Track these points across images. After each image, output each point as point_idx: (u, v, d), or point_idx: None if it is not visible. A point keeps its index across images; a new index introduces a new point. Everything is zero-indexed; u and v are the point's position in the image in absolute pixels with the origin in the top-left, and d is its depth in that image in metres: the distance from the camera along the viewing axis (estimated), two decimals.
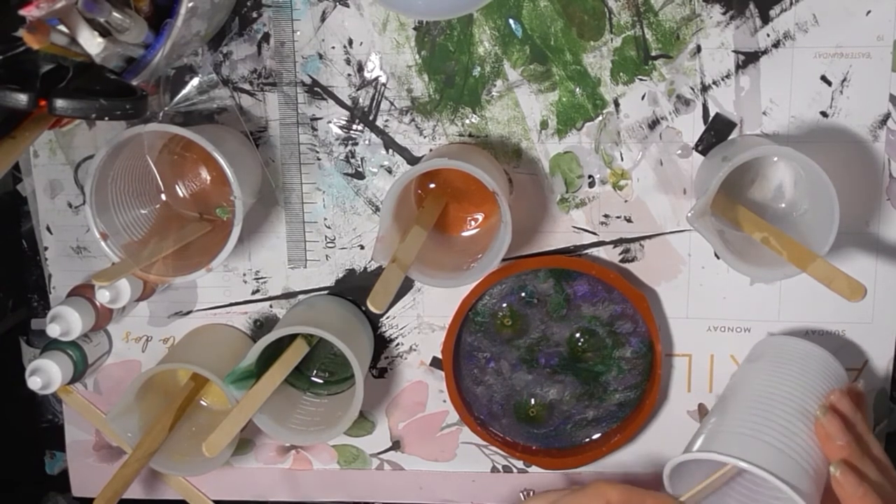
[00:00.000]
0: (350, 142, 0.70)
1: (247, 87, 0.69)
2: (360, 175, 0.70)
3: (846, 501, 0.55)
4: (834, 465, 0.56)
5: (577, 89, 0.67)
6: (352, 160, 0.70)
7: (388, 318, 0.73)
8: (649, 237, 0.69)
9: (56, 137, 0.72)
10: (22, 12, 0.50)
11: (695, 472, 0.59)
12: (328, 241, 0.72)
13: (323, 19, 0.67)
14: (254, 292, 0.74)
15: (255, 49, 0.68)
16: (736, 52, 0.65)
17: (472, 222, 0.69)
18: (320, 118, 0.69)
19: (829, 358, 0.65)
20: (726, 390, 0.65)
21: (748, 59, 0.65)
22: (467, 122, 0.68)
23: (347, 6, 0.67)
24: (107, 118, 0.53)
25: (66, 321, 0.68)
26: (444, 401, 0.73)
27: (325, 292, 0.73)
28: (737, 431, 0.58)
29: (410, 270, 0.60)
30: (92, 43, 0.53)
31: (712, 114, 0.66)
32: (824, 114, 0.65)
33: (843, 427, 0.58)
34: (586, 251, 0.70)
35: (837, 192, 0.57)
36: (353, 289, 0.73)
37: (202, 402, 0.76)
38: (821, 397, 0.60)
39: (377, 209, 0.71)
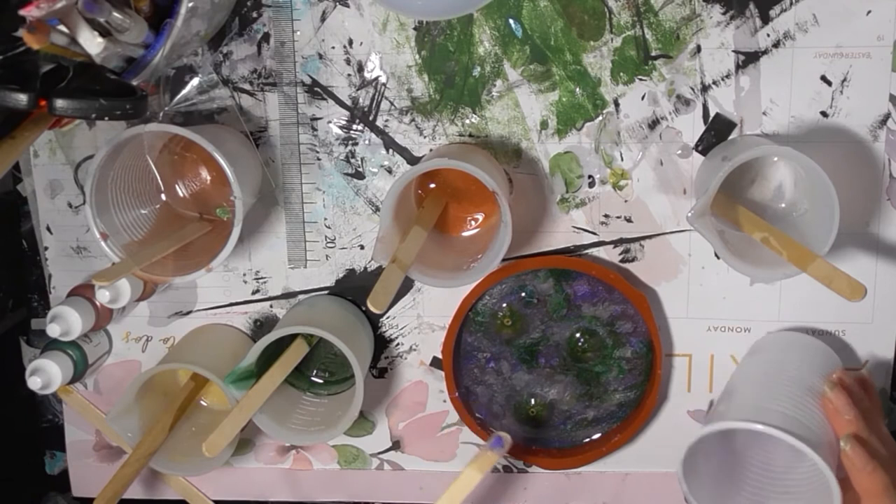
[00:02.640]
0: (350, 142, 0.70)
1: (247, 87, 0.69)
2: (360, 175, 0.70)
3: (855, 475, 0.55)
4: (843, 439, 0.56)
5: (577, 89, 0.67)
6: (352, 160, 0.70)
7: (388, 318, 0.73)
8: (649, 237, 0.69)
9: (56, 137, 0.72)
10: (22, 12, 0.50)
11: (705, 464, 0.59)
12: (328, 241, 0.72)
13: (323, 19, 0.67)
14: (254, 292, 0.74)
15: (255, 49, 0.68)
16: (736, 52, 0.65)
17: (472, 222, 0.69)
18: (320, 118, 0.69)
19: (826, 347, 0.67)
20: (731, 381, 0.65)
21: (748, 59, 0.65)
22: (467, 122, 0.68)
23: (347, 6, 0.67)
24: (107, 118, 0.53)
25: (66, 321, 0.68)
26: (444, 401, 0.73)
27: (325, 292, 0.73)
28: (751, 404, 0.58)
29: (410, 270, 0.59)
30: (92, 43, 0.53)
31: (712, 114, 0.66)
32: (824, 114, 0.65)
33: (849, 401, 0.58)
34: (586, 251, 0.70)
35: (837, 192, 0.57)
36: (354, 289, 0.73)
37: (202, 402, 0.76)
38: (824, 378, 0.61)
39: (377, 209, 0.71)
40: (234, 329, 0.75)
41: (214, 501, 0.80)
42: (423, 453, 0.77)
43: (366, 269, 0.72)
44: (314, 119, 0.69)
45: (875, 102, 0.65)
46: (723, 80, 0.65)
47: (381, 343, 0.74)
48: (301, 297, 0.73)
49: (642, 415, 0.70)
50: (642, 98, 0.66)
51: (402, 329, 0.73)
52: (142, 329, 0.76)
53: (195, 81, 0.69)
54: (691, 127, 0.67)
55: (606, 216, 0.69)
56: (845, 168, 0.66)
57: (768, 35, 0.64)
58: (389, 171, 0.70)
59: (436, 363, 0.74)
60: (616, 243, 0.70)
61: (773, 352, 0.66)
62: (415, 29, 0.67)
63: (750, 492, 0.61)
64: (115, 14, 0.53)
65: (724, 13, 0.64)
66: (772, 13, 0.64)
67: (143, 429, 0.70)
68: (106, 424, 0.73)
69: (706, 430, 0.57)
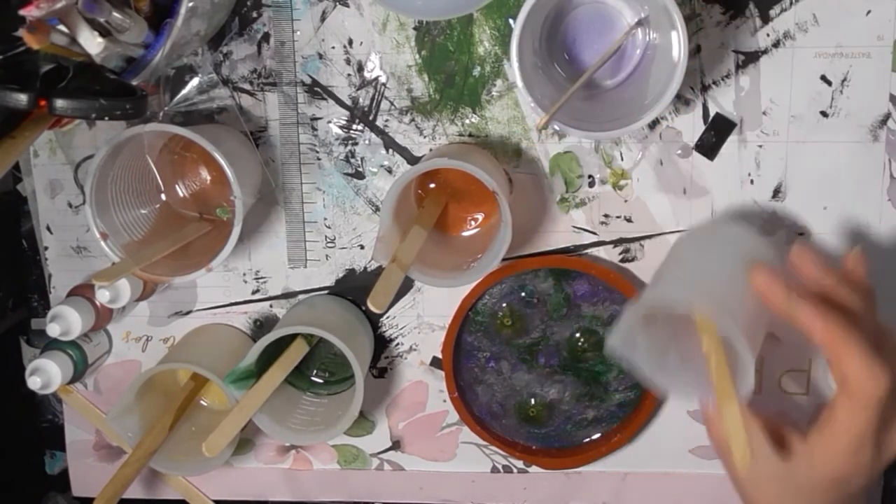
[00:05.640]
0: (350, 142, 0.70)
1: (247, 86, 0.69)
2: (360, 175, 0.70)
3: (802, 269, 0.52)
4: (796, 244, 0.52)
5: None
6: (352, 160, 0.70)
7: (388, 317, 0.73)
8: (649, 237, 0.69)
9: (56, 137, 0.72)
10: (22, 12, 0.50)
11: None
12: (328, 240, 0.72)
13: (323, 19, 0.67)
14: (254, 292, 0.74)
15: (255, 49, 0.68)
16: (736, 51, 0.65)
17: (472, 222, 0.69)
18: (320, 118, 0.69)
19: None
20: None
21: (748, 58, 0.65)
22: (467, 121, 0.68)
23: (347, 6, 0.67)
24: (107, 118, 0.53)
25: (66, 321, 0.68)
26: (444, 401, 0.73)
27: (325, 292, 0.73)
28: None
29: (410, 270, 0.59)
30: (92, 43, 0.53)
31: (712, 113, 0.66)
32: (824, 114, 0.65)
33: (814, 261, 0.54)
34: (586, 251, 0.70)
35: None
36: (354, 289, 0.73)
37: (202, 402, 0.76)
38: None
39: (377, 209, 0.71)
40: (234, 329, 0.75)
41: (214, 501, 0.80)
42: (423, 453, 0.77)
43: (366, 268, 0.72)
44: (314, 119, 0.69)
45: (875, 102, 0.65)
46: (723, 79, 0.65)
47: (381, 343, 0.74)
48: (301, 296, 0.73)
49: (642, 415, 0.70)
50: None
51: (402, 329, 0.73)
52: (142, 329, 0.76)
53: (195, 81, 0.69)
54: (691, 127, 0.67)
55: (606, 216, 0.69)
56: (845, 168, 0.66)
57: (768, 35, 0.64)
58: (389, 170, 0.70)
59: (436, 363, 0.74)
60: (616, 243, 0.70)
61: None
62: (415, 29, 0.67)
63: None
64: (115, 14, 0.53)
65: (723, 13, 0.64)
66: (772, 13, 0.64)
67: (143, 429, 0.70)
68: (106, 424, 0.73)
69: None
